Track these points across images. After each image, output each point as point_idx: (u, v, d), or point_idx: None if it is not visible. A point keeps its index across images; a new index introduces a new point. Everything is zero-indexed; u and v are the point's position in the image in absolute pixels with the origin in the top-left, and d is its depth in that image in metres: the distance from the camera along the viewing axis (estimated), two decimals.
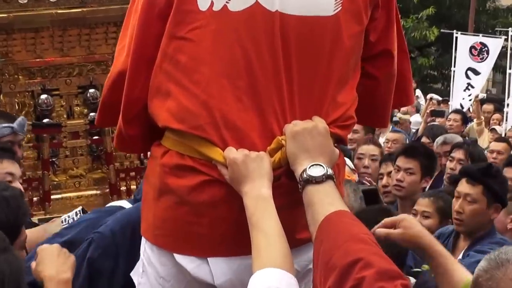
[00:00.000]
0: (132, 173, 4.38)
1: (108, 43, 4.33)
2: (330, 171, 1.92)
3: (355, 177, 5.02)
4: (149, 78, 2.04)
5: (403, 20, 17.13)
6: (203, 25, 1.98)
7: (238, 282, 2.03)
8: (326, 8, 2.02)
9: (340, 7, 2.03)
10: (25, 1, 4.04)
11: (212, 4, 1.97)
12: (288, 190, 1.99)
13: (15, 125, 3.77)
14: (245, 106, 1.99)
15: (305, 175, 1.91)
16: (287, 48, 2.01)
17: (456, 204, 3.76)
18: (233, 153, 1.96)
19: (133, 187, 4.28)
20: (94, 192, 4.44)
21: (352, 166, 5.10)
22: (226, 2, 1.98)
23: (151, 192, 2.09)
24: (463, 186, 3.81)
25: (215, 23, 1.98)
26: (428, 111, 10.91)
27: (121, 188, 4.33)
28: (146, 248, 2.14)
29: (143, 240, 2.15)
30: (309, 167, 1.92)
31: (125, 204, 3.04)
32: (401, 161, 4.83)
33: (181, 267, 2.04)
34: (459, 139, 6.80)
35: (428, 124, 9.44)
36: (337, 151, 2.04)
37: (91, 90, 4.40)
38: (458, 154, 5.70)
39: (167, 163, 2.03)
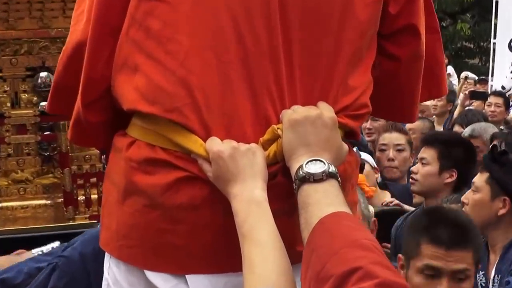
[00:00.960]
0: (93, 179, 4.11)
1: (67, 15, 4.07)
2: (332, 168, 1.85)
3: (377, 175, 5.00)
4: (114, 50, 2.00)
5: None
6: None
7: None
8: None
9: None
10: None
11: None
12: (287, 191, 1.93)
13: None
14: (234, 86, 1.93)
15: (301, 172, 1.85)
16: (287, 15, 1.97)
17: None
18: (219, 145, 1.89)
19: (94, 196, 4.08)
20: (43, 201, 4.16)
21: (373, 163, 4.95)
22: None
23: (114, 193, 2.03)
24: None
25: None
26: (466, 92, 9.83)
27: (78, 198, 4.08)
28: (111, 264, 2.07)
29: (107, 255, 2.11)
30: (307, 163, 1.86)
31: None
32: (419, 153, 4.73)
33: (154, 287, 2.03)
34: (492, 129, 6.07)
35: (464, 109, 8.60)
36: (346, 146, 1.98)
37: (43, 74, 4.11)
38: None
39: (134, 156, 1.96)
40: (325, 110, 1.93)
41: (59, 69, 2.13)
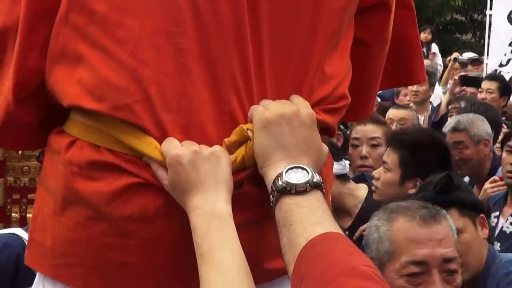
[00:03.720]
0: (31, 195, 3.89)
1: None
2: (317, 178, 1.74)
3: None
4: (45, 39, 1.90)
5: None
6: None
7: None
8: None
9: None
10: None
11: None
12: (254, 201, 1.85)
13: None
14: (193, 77, 1.83)
15: (280, 183, 1.73)
16: None
17: None
18: (177, 148, 1.78)
19: (30, 215, 3.89)
20: None
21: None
22: None
23: (50, 203, 1.93)
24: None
25: None
26: (455, 77, 8.86)
27: (11, 215, 3.98)
28: (45, 285, 1.99)
29: (38, 275, 2.02)
30: (286, 171, 1.75)
31: (21, 232, 3.18)
32: (385, 154, 4.30)
33: None
34: (481, 122, 5.44)
35: (456, 97, 7.82)
36: (326, 148, 1.90)
37: None
38: None
39: (75, 159, 1.86)
40: (302, 106, 1.83)
41: None
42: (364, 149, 4.77)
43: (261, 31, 1.86)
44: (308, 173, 1.75)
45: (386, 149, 4.36)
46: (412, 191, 4.02)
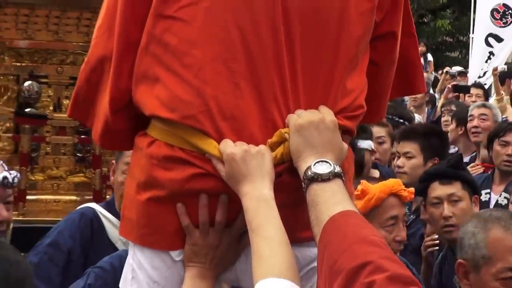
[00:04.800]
0: None
1: None
2: (338, 169, 1.91)
3: (373, 157, 4.98)
4: (134, 64, 2.06)
5: None
6: (194, 2, 1.99)
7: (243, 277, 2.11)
8: None
9: None
10: None
11: None
12: (290, 187, 2.00)
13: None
14: (243, 93, 1.98)
15: (309, 173, 1.90)
16: (289, 27, 2.01)
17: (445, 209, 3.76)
18: (231, 148, 1.95)
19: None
20: (73, 197, 4.35)
21: (370, 146, 4.96)
22: None
23: (135, 187, 2.09)
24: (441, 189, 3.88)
25: (206, 1, 1.98)
26: (449, 85, 9.95)
27: (106, 197, 4.16)
28: (136, 251, 2.14)
29: (131, 244, 2.17)
30: (314, 164, 1.91)
31: (94, 205, 3.47)
32: (399, 146, 4.87)
33: (177, 268, 2.07)
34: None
35: (448, 101, 8.76)
36: (346, 146, 2.03)
37: None
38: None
39: (154, 154, 2.02)
40: (327, 114, 2.00)
41: (81, 78, 2.20)
42: (372, 146, 5.09)
43: (295, 57, 2.03)
44: (331, 165, 1.92)
45: (398, 143, 4.92)
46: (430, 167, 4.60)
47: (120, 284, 2.24)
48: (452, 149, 6.19)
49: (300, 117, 1.98)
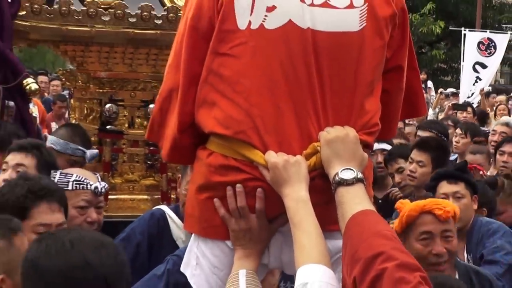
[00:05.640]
0: None
1: None
2: (360, 175, 1.98)
3: None
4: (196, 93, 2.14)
5: (411, 15, 16.90)
6: (243, 42, 2.07)
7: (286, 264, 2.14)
8: (352, 25, 2.10)
9: (365, 24, 2.11)
10: (107, 19, 4.26)
11: (250, 23, 2.06)
12: (322, 189, 2.05)
13: (88, 153, 4.13)
14: (283, 113, 2.06)
15: (337, 178, 1.97)
16: (319, 60, 2.08)
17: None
18: (274, 157, 2.03)
19: None
20: (145, 197, 4.55)
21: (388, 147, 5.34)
22: (263, 21, 2.06)
23: (197, 189, 2.16)
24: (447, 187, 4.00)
25: (253, 40, 2.06)
26: (449, 104, 11.16)
27: (171, 196, 4.42)
28: (199, 242, 2.20)
29: (194, 236, 2.24)
30: (341, 171, 1.98)
31: (163, 207, 3.63)
32: (414, 154, 5.00)
33: (232, 254, 2.13)
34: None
35: (445, 117, 9.65)
36: (366, 156, 2.09)
37: (152, 105, 4.42)
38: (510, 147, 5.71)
39: (212, 163, 2.11)
40: (350, 131, 2.06)
41: (156, 107, 2.27)
42: (379, 157, 5.51)
43: (324, 84, 2.08)
44: (354, 172, 1.97)
45: (413, 150, 5.02)
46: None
47: (182, 268, 2.30)
48: (452, 157, 6.36)
49: (329, 133, 2.05)
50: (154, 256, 3.37)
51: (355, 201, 1.93)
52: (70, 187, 3.09)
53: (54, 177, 3.13)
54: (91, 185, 3.12)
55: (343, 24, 2.10)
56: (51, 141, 4.17)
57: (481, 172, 5.33)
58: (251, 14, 2.07)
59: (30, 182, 2.81)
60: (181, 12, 3.65)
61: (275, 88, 2.06)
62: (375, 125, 2.16)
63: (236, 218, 2.09)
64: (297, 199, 1.99)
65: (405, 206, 3.29)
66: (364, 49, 2.13)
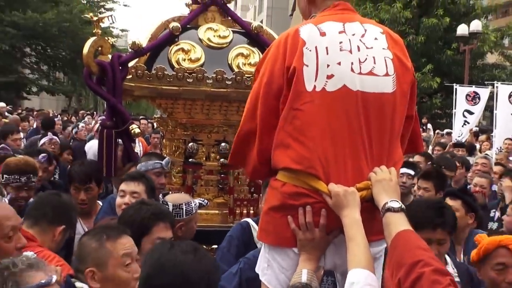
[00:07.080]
0: (245, 202, 5.06)
1: (239, 114, 4.81)
2: (403, 206, 2.23)
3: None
4: (270, 136, 2.41)
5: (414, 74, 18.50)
6: (310, 100, 2.31)
7: (339, 266, 2.40)
8: (389, 87, 2.38)
9: (397, 87, 2.38)
10: (191, 80, 4.80)
11: (315, 87, 2.31)
12: (368, 211, 2.33)
13: (163, 162, 4.78)
14: (341, 154, 2.31)
15: (387, 206, 2.23)
16: (367, 115, 2.34)
17: None
18: (336, 188, 2.28)
19: (245, 211, 5.02)
20: (216, 211, 5.07)
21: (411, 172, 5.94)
22: (324, 85, 2.31)
23: (273, 210, 2.42)
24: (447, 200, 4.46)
25: (318, 99, 2.30)
26: (450, 143, 12.53)
27: (236, 211, 4.99)
28: (270, 249, 2.45)
29: (264, 245, 2.50)
30: (390, 201, 2.23)
31: (248, 219, 4.15)
32: (420, 182, 5.75)
33: (297, 258, 2.38)
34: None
35: (445, 152, 10.70)
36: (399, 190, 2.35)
37: (223, 144, 5.06)
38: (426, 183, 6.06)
39: (286, 191, 2.37)
40: (393, 173, 2.33)
41: (236, 142, 2.55)
42: (404, 179, 5.97)
43: (370, 131, 2.34)
44: (399, 203, 2.22)
45: (419, 179, 5.79)
46: (439, 196, 5.52)
47: (257, 269, 2.56)
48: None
49: (377, 175, 2.32)
50: (244, 254, 3.67)
51: (399, 223, 2.16)
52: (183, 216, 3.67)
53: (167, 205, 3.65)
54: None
55: (383, 86, 2.39)
56: (140, 168, 4.76)
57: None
58: (315, 80, 2.33)
59: (151, 207, 3.26)
60: (245, 75, 4.79)
61: (335, 135, 2.31)
62: (398, 171, 2.47)
63: (304, 231, 2.34)
64: (353, 219, 2.25)
65: (484, 240, 3.47)
66: (396, 106, 2.41)
